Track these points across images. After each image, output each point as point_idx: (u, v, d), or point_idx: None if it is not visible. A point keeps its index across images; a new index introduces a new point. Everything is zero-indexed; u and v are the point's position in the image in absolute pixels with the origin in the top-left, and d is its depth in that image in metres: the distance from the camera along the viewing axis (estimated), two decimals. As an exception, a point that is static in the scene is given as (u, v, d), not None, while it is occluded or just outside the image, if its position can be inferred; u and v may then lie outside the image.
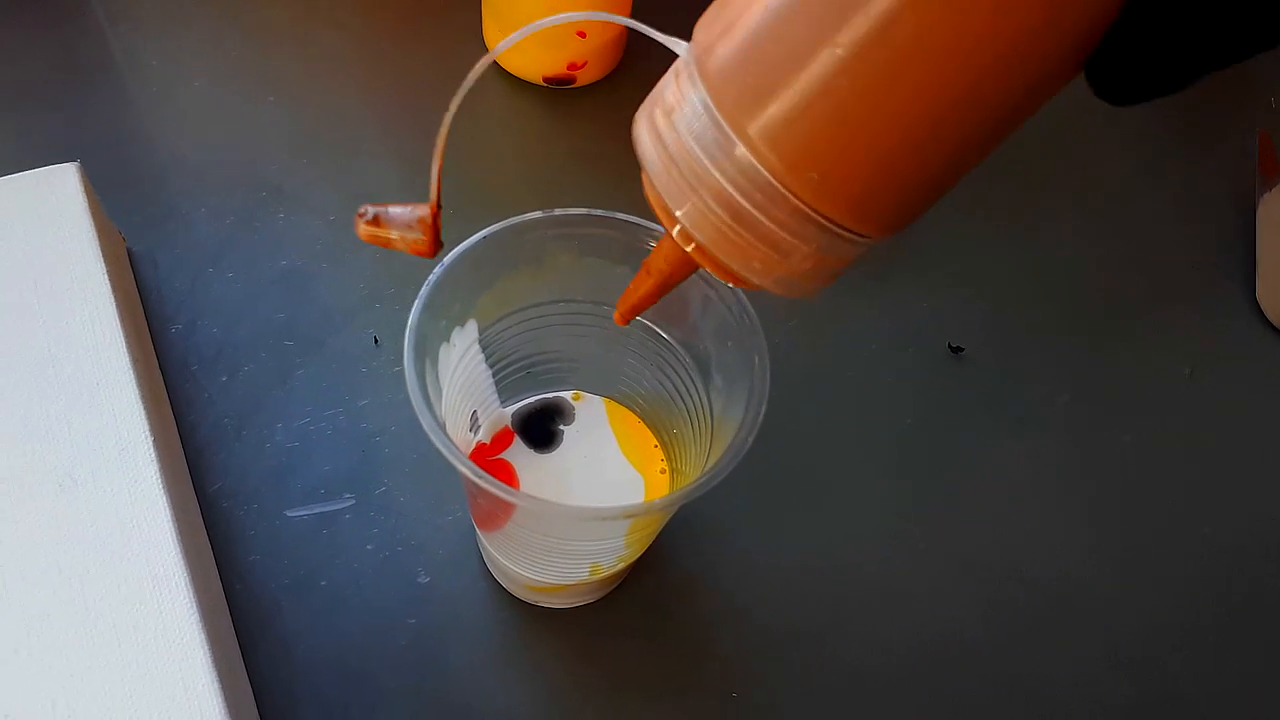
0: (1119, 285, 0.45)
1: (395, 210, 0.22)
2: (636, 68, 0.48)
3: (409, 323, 0.25)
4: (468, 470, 0.22)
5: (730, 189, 0.19)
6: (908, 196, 0.20)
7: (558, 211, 0.27)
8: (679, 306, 0.28)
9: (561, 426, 0.33)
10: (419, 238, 0.22)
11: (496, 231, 0.27)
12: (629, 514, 0.23)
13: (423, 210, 0.22)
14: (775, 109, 0.18)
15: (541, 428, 0.33)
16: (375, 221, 0.22)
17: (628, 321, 0.25)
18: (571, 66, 0.45)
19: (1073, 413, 0.41)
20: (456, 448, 0.23)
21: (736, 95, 0.18)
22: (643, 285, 0.24)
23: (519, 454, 0.33)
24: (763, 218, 0.19)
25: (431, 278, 0.25)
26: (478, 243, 0.26)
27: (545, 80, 0.46)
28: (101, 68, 0.45)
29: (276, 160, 0.43)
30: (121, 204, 0.40)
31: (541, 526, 0.27)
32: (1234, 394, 0.42)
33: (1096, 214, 0.47)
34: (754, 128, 0.18)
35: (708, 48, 0.19)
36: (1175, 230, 0.47)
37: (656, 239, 0.27)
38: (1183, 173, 0.49)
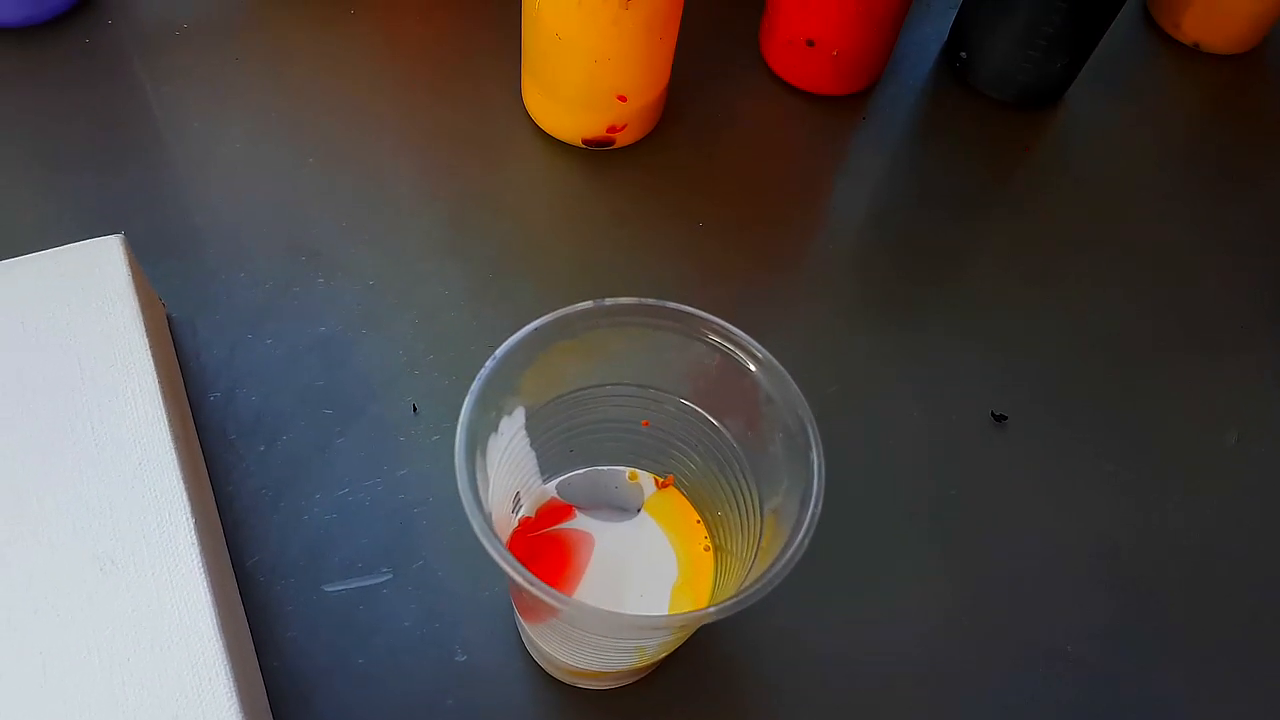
0: (1165, 349, 0.44)
1: None
2: (675, 130, 0.47)
3: (461, 421, 0.24)
4: (525, 582, 0.22)
5: None
6: None
7: (608, 302, 0.27)
8: (732, 399, 0.28)
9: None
10: None
11: (547, 323, 0.26)
12: (683, 625, 0.22)
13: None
14: None
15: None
16: None
17: None
18: (611, 129, 0.45)
19: (1119, 482, 0.40)
20: (516, 560, 0.22)
21: None
22: None
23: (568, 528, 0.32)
24: None
25: (482, 374, 0.25)
26: (527, 335, 0.26)
27: (584, 142, 0.46)
28: (143, 128, 0.45)
29: (316, 224, 0.43)
30: (161, 268, 0.40)
31: (588, 626, 0.26)
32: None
33: (1141, 276, 0.46)
34: None
35: None
36: (1224, 292, 0.46)
37: (710, 327, 0.27)
38: (1231, 233, 0.49)
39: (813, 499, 0.24)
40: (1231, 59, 0.56)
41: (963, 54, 0.51)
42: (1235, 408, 0.43)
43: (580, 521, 0.33)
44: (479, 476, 0.25)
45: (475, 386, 0.25)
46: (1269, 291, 0.47)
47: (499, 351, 0.25)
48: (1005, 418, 0.41)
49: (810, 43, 0.47)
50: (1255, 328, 0.45)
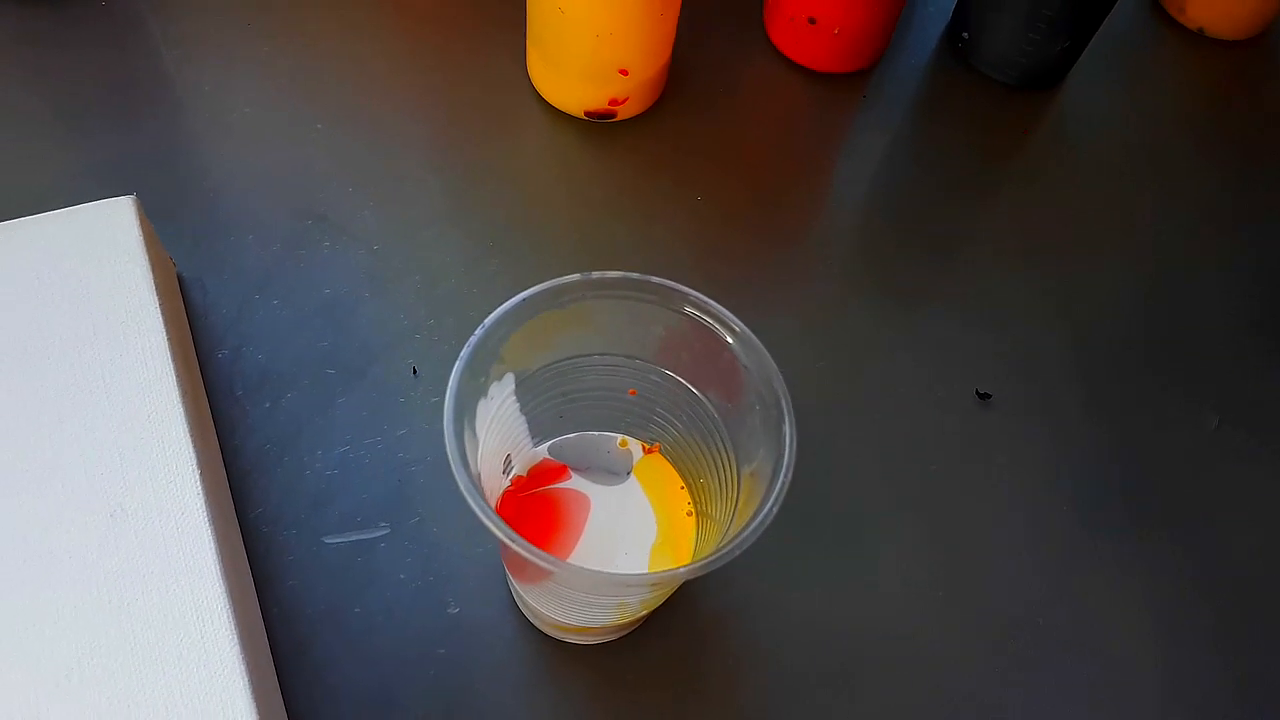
0: (1154, 332, 0.45)
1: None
2: (677, 104, 0.48)
3: (449, 387, 0.26)
4: (518, 547, 0.23)
5: None
6: None
7: (595, 275, 0.28)
8: (713, 370, 0.29)
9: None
10: None
11: (535, 294, 0.27)
12: (656, 583, 0.24)
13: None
14: None
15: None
16: None
17: None
18: (613, 102, 0.46)
19: (1099, 463, 0.41)
20: (506, 525, 0.24)
21: None
22: None
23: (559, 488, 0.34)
24: None
25: (472, 340, 0.26)
26: (517, 304, 0.27)
27: (586, 114, 0.46)
28: (157, 91, 0.46)
29: (323, 187, 0.44)
30: (172, 228, 0.41)
31: (570, 583, 0.28)
32: (1259, 448, 0.42)
33: (1136, 260, 0.47)
34: None
35: None
36: (1219, 277, 0.47)
37: (691, 303, 0.28)
38: (1231, 218, 0.49)
39: (784, 468, 0.26)
40: (1236, 45, 0.56)
41: (965, 34, 0.51)
42: (1218, 392, 0.44)
43: (574, 482, 0.34)
44: (468, 439, 0.26)
45: (464, 354, 0.26)
46: (1265, 278, 0.47)
47: (488, 320, 0.27)
48: (989, 396, 0.42)
49: (812, 20, 0.48)
50: (1246, 314, 0.46)
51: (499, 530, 0.24)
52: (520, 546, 0.23)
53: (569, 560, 0.31)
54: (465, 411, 0.26)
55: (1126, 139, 0.52)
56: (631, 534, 0.33)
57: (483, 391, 0.28)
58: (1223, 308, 0.46)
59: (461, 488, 0.24)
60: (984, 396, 0.42)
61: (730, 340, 0.28)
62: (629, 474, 0.34)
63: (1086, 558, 0.39)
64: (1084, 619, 0.38)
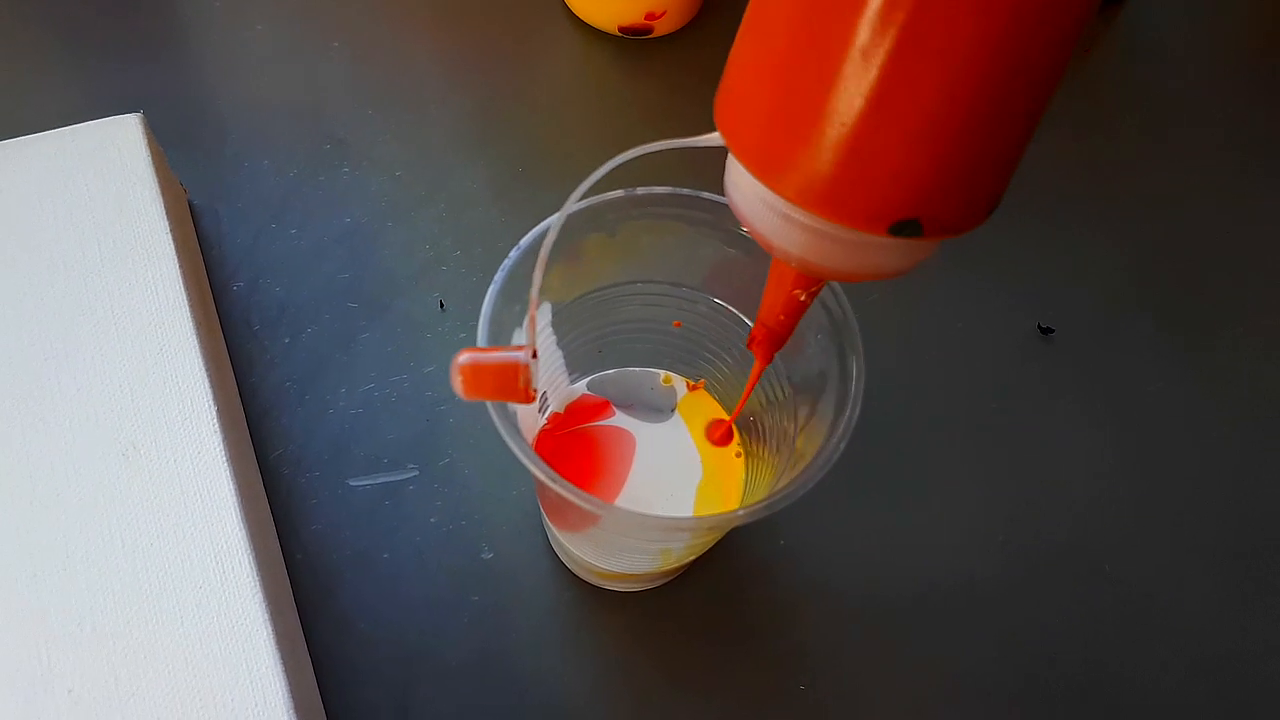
0: (1219, 268, 0.42)
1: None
2: (716, 19, 0.45)
3: (483, 311, 0.23)
4: (567, 492, 0.21)
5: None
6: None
7: (640, 190, 0.25)
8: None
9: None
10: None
11: (574, 213, 0.25)
12: (713, 526, 0.22)
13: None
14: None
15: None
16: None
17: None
18: (649, 16, 0.42)
19: (1164, 401, 0.38)
20: (550, 468, 0.22)
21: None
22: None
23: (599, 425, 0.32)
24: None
25: (506, 264, 0.24)
26: (555, 223, 0.25)
27: (620, 30, 0.43)
28: (167, 13, 0.43)
29: (341, 111, 0.41)
30: (183, 155, 0.39)
31: (618, 529, 0.25)
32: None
33: (1199, 190, 0.44)
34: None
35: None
36: (1272, 220, 0.44)
37: (746, 221, 0.26)
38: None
39: (850, 402, 0.23)
40: (1317, -46, 0.52)
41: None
42: (1291, 325, 0.41)
43: (617, 419, 0.32)
44: (503, 370, 0.24)
45: (499, 277, 0.24)
46: (1340, 204, 0.44)
47: (523, 241, 0.24)
48: (1052, 330, 0.39)
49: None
50: (1322, 243, 0.43)
51: (544, 474, 0.21)
52: (569, 491, 0.21)
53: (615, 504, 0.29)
54: (500, 341, 0.24)
55: (1193, 61, 0.48)
56: (676, 475, 0.31)
57: (518, 320, 0.26)
58: (1300, 237, 0.43)
59: (499, 427, 0.22)
60: (1047, 331, 0.39)
61: (791, 264, 0.25)
62: (673, 411, 0.32)
63: (1153, 502, 0.37)
64: (1150, 563, 0.35)
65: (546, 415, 0.32)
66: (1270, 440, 0.38)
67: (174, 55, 0.42)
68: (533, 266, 0.25)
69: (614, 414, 0.31)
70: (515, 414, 0.25)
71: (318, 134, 0.41)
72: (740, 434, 0.32)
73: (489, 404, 0.23)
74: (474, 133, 0.42)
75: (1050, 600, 0.35)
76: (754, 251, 0.26)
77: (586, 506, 0.22)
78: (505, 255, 0.25)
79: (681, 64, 0.44)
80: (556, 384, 0.31)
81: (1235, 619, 0.35)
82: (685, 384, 0.32)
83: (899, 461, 0.36)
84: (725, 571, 0.34)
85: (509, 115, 0.42)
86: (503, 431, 0.22)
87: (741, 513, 0.22)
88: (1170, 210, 0.43)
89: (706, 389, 0.32)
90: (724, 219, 0.26)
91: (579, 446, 0.31)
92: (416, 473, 0.35)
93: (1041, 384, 0.39)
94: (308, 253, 0.38)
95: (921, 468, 0.36)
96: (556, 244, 0.25)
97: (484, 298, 0.24)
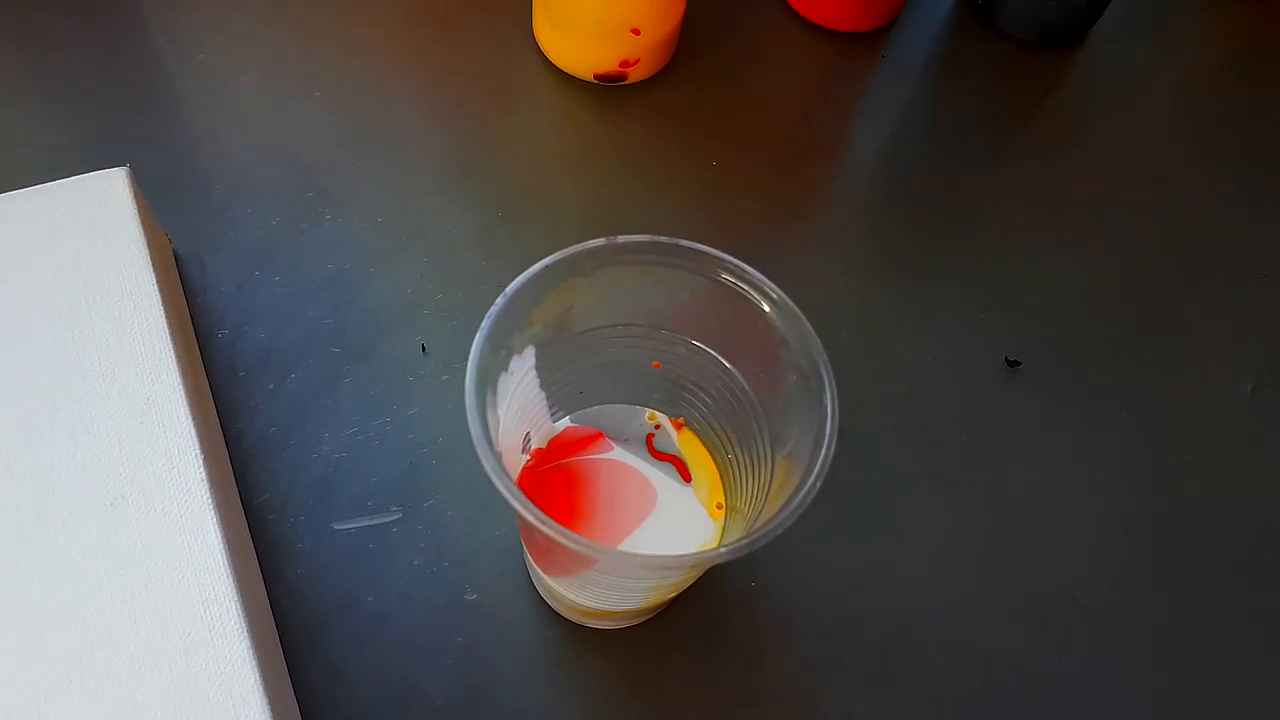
0: (1184, 295, 0.44)
1: None
2: (690, 65, 0.46)
3: (470, 360, 0.24)
4: (561, 537, 0.22)
5: None
6: None
7: (620, 239, 0.26)
8: (744, 340, 0.27)
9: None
10: None
11: (558, 260, 0.26)
12: (695, 564, 0.22)
13: None
14: None
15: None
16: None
17: None
18: (624, 64, 0.44)
19: (1131, 430, 0.40)
20: (535, 506, 0.22)
21: None
22: None
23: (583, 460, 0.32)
24: None
25: (493, 311, 0.25)
26: (538, 272, 0.26)
27: (596, 77, 0.45)
28: (151, 62, 0.44)
29: (324, 158, 0.42)
30: (168, 203, 0.39)
31: (604, 568, 0.26)
32: (1304, 416, 0.41)
33: (1163, 221, 0.46)
34: None
35: None
36: (1247, 240, 0.45)
37: (726, 269, 0.27)
38: (1257, 178, 0.47)
39: (825, 441, 0.24)
40: (1264, 2, 0.54)
41: (986, -10, 0.49)
42: (1253, 356, 0.42)
43: (614, 454, 0.32)
44: (489, 416, 0.25)
45: (485, 324, 0.24)
46: (1293, 238, 0.46)
47: (510, 288, 0.25)
48: (1019, 363, 0.41)
49: (829, -24, 0.46)
50: (1274, 278, 0.44)
51: (538, 521, 0.22)
52: (563, 536, 0.22)
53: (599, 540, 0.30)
54: (487, 386, 0.25)
55: (1152, 96, 0.50)
56: (671, 523, 0.31)
57: (504, 365, 0.26)
58: (1257, 268, 0.45)
59: (488, 470, 0.22)
60: (1013, 364, 0.41)
61: (767, 309, 0.26)
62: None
63: (1122, 527, 0.38)
64: (1120, 590, 0.36)
65: (530, 452, 0.32)
66: (1237, 468, 0.39)
67: (160, 106, 0.43)
68: (517, 313, 0.25)
69: (605, 447, 0.32)
70: (500, 456, 0.26)
71: (301, 182, 0.41)
72: (720, 474, 0.33)
73: (478, 448, 0.23)
74: (454, 179, 0.43)
75: (1023, 629, 0.35)
76: (730, 297, 0.27)
77: (587, 553, 0.22)
78: (485, 298, 0.25)
79: (655, 109, 0.45)
80: (539, 424, 0.32)
81: (1205, 645, 0.36)
82: (670, 421, 0.33)
83: (873, 496, 0.37)
84: (705, 606, 0.35)
85: (488, 161, 0.43)
86: (494, 478, 0.23)
87: (723, 551, 0.23)
88: (1136, 242, 0.45)
89: (688, 426, 0.33)
90: (701, 265, 0.27)
91: (562, 482, 0.31)
92: (400, 515, 0.35)
93: (1010, 417, 0.40)
94: (292, 299, 0.39)
95: (897, 502, 0.37)
96: (539, 288, 0.26)
97: (467, 340, 0.24)
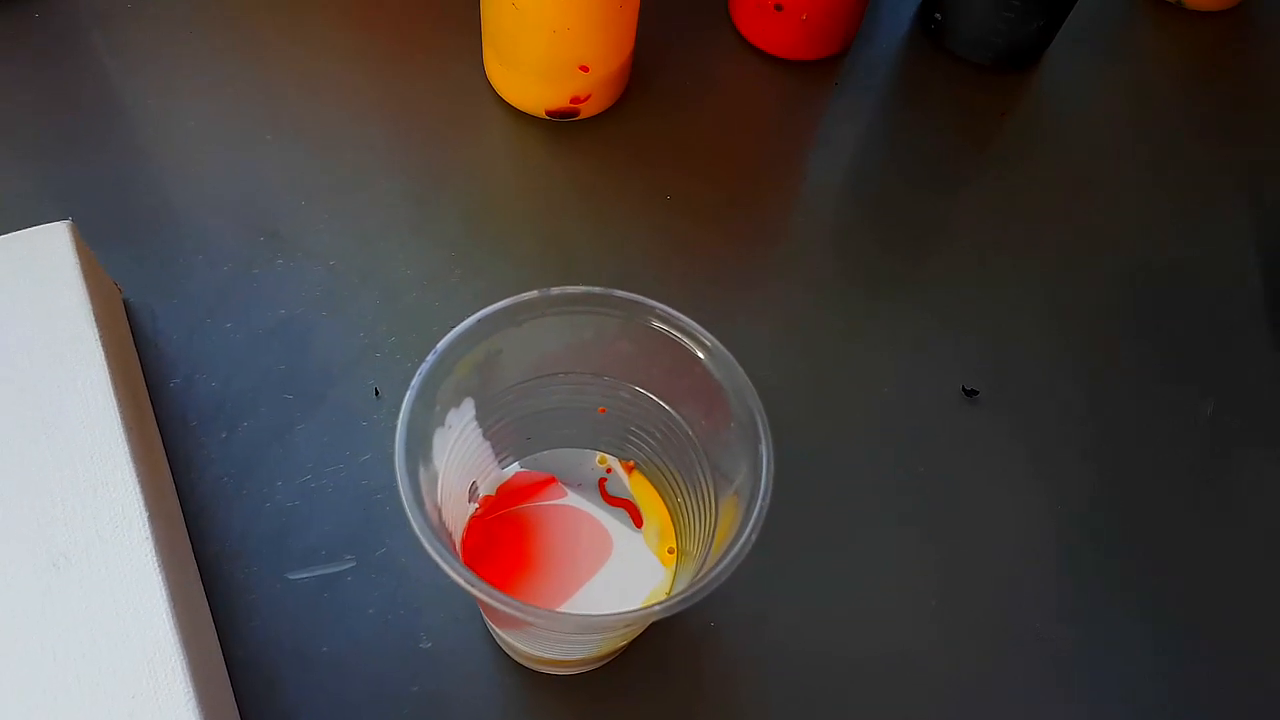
0: (1141, 319, 0.44)
1: None
2: (642, 99, 0.46)
3: (400, 420, 0.24)
4: (481, 594, 0.22)
5: None
6: None
7: (555, 291, 0.26)
8: (685, 386, 0.27)
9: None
10: None
11: (490, 314, 0.26)
12: (630, 624, 0.22)
13: None
14: None
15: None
16: None
17: None
18: (575, 100, 0.44)
19: (1092, 461, 0.40)
20: (480, 579, 0.22)
21: None
22: None
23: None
24: None
25: (422, 369, 0.25)
26: (470, 327, 0.26)
27: (548, 113, 0.45)
28: (97, 105, 0.44)
29: (275, 202, 0.42)
30: (117, 252, 0.39)
31: (540, 627, 0.26)
32: (1256, 435, 0.41)
33: (1121, 244, 0.46)
34: None
35: None
36: (1205, 260, 0.46)
37: (658, 316, 0.27)
38: (1214, 197, 0.48)
39: (760, 493, 0.24)
40: (1214, 16, 0.54)
41: (937, 15, 0.50)
42: (1211, 379, 0.42)
43: (569, 499, 0.32)
44: (423, 474, 0.25)
45: (416, 383, 0.24)
46: (1252, 258, 0.46)
47: (439, 345, 0.25)
48: (976, 392, 0.41)
49: (778, 6, 0.46)
50: (1235, 298, 0.45)
51: (467, 584, 0.22)
52: (492, 598, 0.22)
53: (550, 594, 0.30)
54: (420, 445, 0.25)
55: (1106, 117, 0.50)
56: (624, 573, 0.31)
57: (439, 421, 0.26)
58: (1213, 290, 0.45)
59: (417, 532, 0.22)
60: (971, 393, 0.41)
61: (701, 355, 0.26)
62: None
63: (1081, 556, 0.38)
64: (1081, 622, 0.36)
65: (477, 500, 0.32)
66: (1200, 494, 0.39)
67: (107, 152, 0.43)
68: (450, 369, 0.25)
69: (561, 491, 0.32)
70: (440, 511, 0.26)
71: (251, 227, 0.41)
72: (670, 517, 0.33)
73: (408, 511, 0.23)
74: (407, 218, 0.43)
75: (984, 664, 0.35)
76: (667, 344, 0.27)
77: (520, 616, 0.22)
78: (439, 338, 0.25)
79: (607, 144, 0.45)
80: (486, 472, 0.32)
81: (1174, 677, 0.36)
82: (621, 464, 0.33)
83: (830, 531, 0.37)
84: (663, 649, 0.34)
85: (441, 200, 0.43)
86: (426, 543, 0.22)
87: (658, 608, 0.23)
88: (1092, 267, 0.45)
89: (638, 469, 0.33)
90: (635, 313, 0.27)
91: (514, 529, 0.31)
92: (354, 563, 0.35)
93: (968, 447, 0.40)
94: (243, 346, 0.39)
95: (855, 536, 0.37)
96: (472, 343, 0.26)
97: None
